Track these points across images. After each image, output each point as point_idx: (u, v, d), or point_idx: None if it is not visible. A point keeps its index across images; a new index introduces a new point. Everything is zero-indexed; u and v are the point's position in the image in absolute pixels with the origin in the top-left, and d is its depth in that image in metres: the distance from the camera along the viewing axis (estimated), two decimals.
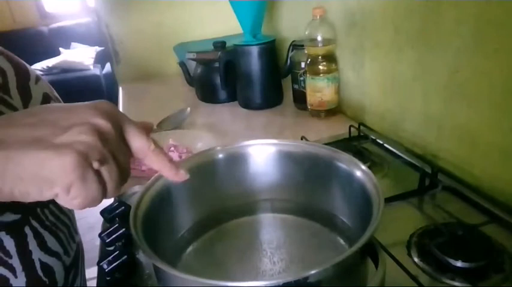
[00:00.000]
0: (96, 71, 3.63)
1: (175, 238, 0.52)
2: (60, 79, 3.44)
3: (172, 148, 0.81)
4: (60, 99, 0.52)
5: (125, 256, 0.53)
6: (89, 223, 2.11)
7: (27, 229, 0.39)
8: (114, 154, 0.30)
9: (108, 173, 0.29)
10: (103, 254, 0.54)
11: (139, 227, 0.41)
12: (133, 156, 0.33)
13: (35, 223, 0.41)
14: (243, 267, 0.49)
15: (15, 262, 0.37)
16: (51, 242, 0.43)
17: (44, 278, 0.40)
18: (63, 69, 3.57)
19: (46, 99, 0.47)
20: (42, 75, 3.48)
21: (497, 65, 0.57)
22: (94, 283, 0.55)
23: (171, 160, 0.35)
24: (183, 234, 0.53)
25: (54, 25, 3.92)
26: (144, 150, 0.33)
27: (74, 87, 3.33)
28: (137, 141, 0.33)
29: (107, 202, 0.64)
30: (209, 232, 0.54)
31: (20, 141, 0.27)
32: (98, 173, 0.29)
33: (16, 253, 0.38)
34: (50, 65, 3.60)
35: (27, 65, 0.48)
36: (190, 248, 0.51)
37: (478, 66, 0.60)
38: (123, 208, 0.62)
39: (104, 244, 0.58)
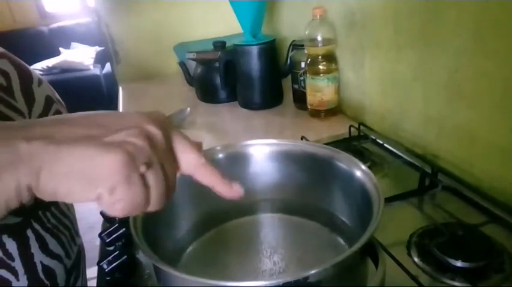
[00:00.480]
0: (96, 71, 3.63)
1: (175, 238, 0.52)
2: (60, 79, 3.44)
3: None
4: (62, 102, 0.52)
5: (125, 256, 0.53)
6: (89, 223, 2.11)
7: (29, 232, 0.39)
8: (162, 162, 0.29)
9: (154, 179, 0.28)
10: (103, 254, 0.54)
11: (139, 227, 0.41)
12: (181, 170, 0.33)
13: (36, 226, 0.40)
14: (243, 267, 0.49)
15: (18, 264, 0.37)
16: (53, 244, 0.42)
17: (46, 281, 0.40)
18: (63, 69, 3.57)
19: (48, 102, 0.47)
20: (42, 75, 3.48)
21: (497, 65, 0.57)
22: (94, 283, 0.55)
23: (223, 175, 0.35)
24: (183, 234, 0.53)
25: (54, 25, 3.93)
26: (195, 164, 0.33)
27: (74, 87, 3.33)
28: (188, 155, 0.32)
29: None
30: (209, 232, 0.54)
31: (70, 138, 0.26)
32: (143, 178, 0.28)
33: (18, 255, 0.37)
34: (50, 65, 3.60)
35: (30, 68, 0.48)
36: (190, 248, 0.51)
37: (478, 66, 0.60)
38: None
39: (104, 244, 0.58)
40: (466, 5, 0.59)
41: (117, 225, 0.58)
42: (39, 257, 0.40)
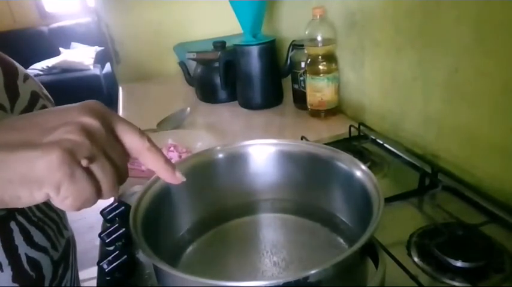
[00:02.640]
0: (96, 71, 3.63)
1: (175, 238, 0.52)
2: (60, 79, 3.44)
3: (172, 148, 0.81)
4: (50, 97, 0.52)
5: (125, 256, 0.53)
6: (89, 223, 2.11)
7: (13, 225, 0.40)
8: (106, 152, 0.29)
9: (100, 171, 0.29)
10: (103, 254, 0.54)
11: (139, 227, 0.41)
12: (129, 155, 0.33)
13: (21, 219, 0.41)
14: (243, 267, 0.49)
15: (1, 256, 0.37)
16: (38, 237, 0.43)
17: (31, 273, 0.40)
18: (63, 69, 3.58)
19: (34, 97, 0.47)
20: (42, 75, 3.49)
21: (497, 65, 0.57)
22: (94, 283, 0.55)
23: (167, 161, 0.34)
24: (183, 234, 0.53)
25: (54, 25, 3.93)
26: (138, 148, 0.32)
27: (74, 87, 3.33)
28: (130, 139, 0.32)
29: (107, 201, 0.64)
30: (209, 232, 0.54)
31: (8, 145, 0.26)
32: (88, 172, 0.28)
33: (1, 247, 0.38)
34: (50, 65, 3.60)
35: (16, 64, 0.48)
36: (190, 248, 0.51)
37: (478, 66, 0.60)
38: (123, 208, 0.62)
39: (104, 244, 0.58)
40: (466, 5, 0.59)
41: (117, 225, 0.58)
42: (23, 249, 0.40)
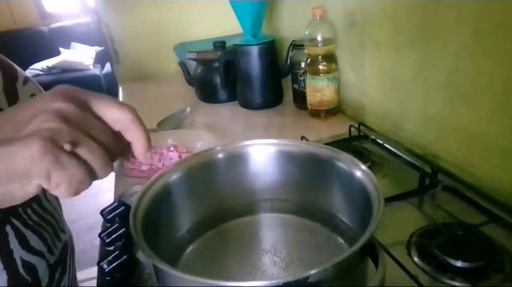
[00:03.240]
0: (96, 71, 3.63)
1: (175, 238, 0.52)
2: (60, 79, 3.45)
3: (172, 148, 0.81)
4: None
5: (125, 256, 0.53)
6: (89, 223, 2.11)
7: (8, 228, 0.39)
8: (87, 132, 0.29)
9: (87, 152, 0.28)
10: (103, 254, 0.54)
11: (139, 227, 0.41)
12: (115, 132, 0.32)
13: (16, 222, 0.40)
14: (243, 267, 0.49)
15: None
16: (34, 241, 0.42)
17: (26, 277, 0.40)
18: (63, 69, 3.58)
19: None
20: (42, 75, 3.50)
21: (497, 65, 0.57)
22: (94, 283, 0.55)
23: (148, 138, 0.33)
24: (183, 234, 0.53)
25: (54, 25, 3.93)
26: (120, 120, 0.31)
27: None
28: (110, 113, 0.31)
29: (107, 201, 0.64)
30: (209, 232, 0.54)
31: None
32: (74, 155, 0.28)
33: None
34: (50, 65, 3.60)
35: (16, 67, 0.48)
36: (190, 248, 0.51)
37: (478, 66, 0.60)
38: (123, 208, 0.62)
39: (104, 244, 0.58)
40: (466, 5, 0.59)
41: (117, 225, 0.58)
42: (18, 253, 0.40)
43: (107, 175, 0.30)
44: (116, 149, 0.31)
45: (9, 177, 0.27)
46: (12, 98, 0.44)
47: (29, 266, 0.40)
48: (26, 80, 0.48)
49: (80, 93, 0.30)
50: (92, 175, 0.29)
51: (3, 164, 0.26)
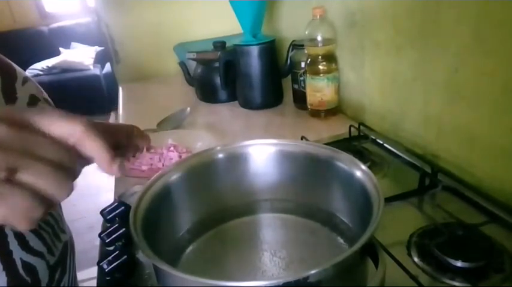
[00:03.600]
0: (96, 71, 3.63)
1: (175, 238, 0.52)
2: (60, 79, 3.45)
3: (171, 148, 0.81)
4: (50, 100, 0.52)
5: (125, 256, 0.53)
6: (89, 223, 2.11)
7: (7, 229, 0.39)
8: (32, 153, 0.25)
9: (32, 175, 0.25)
10: (103, 254, 0.54)
11: (139, 227, 0.41)
12: (67, 146, 0.28)
13: None
14: (243, 267, 0.49)
15: None
16: (34, 241, 0.42)
17: (26, 277, 0.40)
18: (63, 69, 3.58)
19: (33, 100, 0.47)
20: (42, 75, 3.50)
21: (497, 65, 0.57)
22: (94, 283, 0.55)
23: (107, 149, 0.30)
24: (183, 234, 0.53)
25: (54, 25, 3.93)
26: (71, 134, 0.28)
27: (74, 87, 3.34)
28: (58, 128, 0.27)
29: (107, 201, 0.65)
30: (209, 232, 0.54)
31: None
32: (16, 182, 0.25)
33: None
34: (50, 65, 3.60)
35: (16, 67, 0.48)
36: (190, 248, 0.51)
37: (478, 66, 0.60)
38: (123, 208, 0.62)
39: (103, 244, 0.58)
40: (466, 5, 0.59)
41: (117, 225, 0.58)
42: (18, 254, 0.40)
43: (66, 194, 0.27)
44: (72, 166, 0.28)
45: None
46: (11, 98, 0.44)
47: (28, 267, 0.40)
48: (25, 80, 0.48)
49: (16, 114, 0.27)
50: (46, 199, 0.26)
51: None
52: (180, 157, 0.79)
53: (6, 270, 0.38)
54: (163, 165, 0.76)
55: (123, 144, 0.70)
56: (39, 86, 0.51)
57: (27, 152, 0.25)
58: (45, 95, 0.51)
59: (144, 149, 0.78)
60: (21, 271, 0.40)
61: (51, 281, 0.44)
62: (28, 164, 0.25)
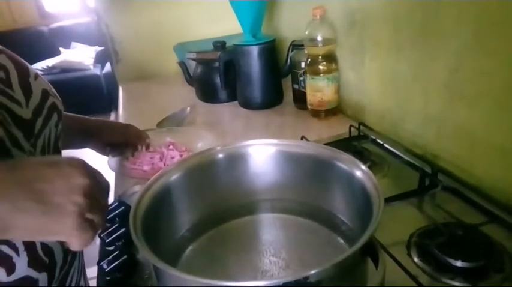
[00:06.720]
0: (96, 71, 3.63)
1: (175, 238, 0.52)
2: (60, 79, 3.44)
3: (171, 146, 0.81)
4: (58, 96, 0.54)
5: (125, 256, 0.53)
6: None
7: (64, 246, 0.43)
8: (97, 199, 0.36)
9: (96, 216, 0.36)
10: (103, 254, 0.54)
11: (139, 227, 0.41)
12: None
13: None
14: (243, 267, 0.49)
15: (18, 242, 0.40)
16: None
17: (44, 258, 0.43)
18: (63, 69, 3.57)
19: (45, 94, 0.50)
20: (42, 75, 3.46)
21: (497, 65, 0.57)
22: (94, 283, 0.55)
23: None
24: (183, 234, 0.53)
25: (54, 25, 3.93)
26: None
27: (74, 87, 3.33)
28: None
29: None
30: (209, 232, 0.54)
31: (28, 208, 0.32)
32: (91, 221, 0.35)
33: None
34: (50, 65, 3.60)
35: (27, 63, 0.51)
36: (190, 248, 0.51)
37: (478, 66, 0.60)
38: (123, 208, 0.62)
39: (103, 244, 0.58)
40: (466, 5, 0.59)
41: (117, 225, 0.58)
42: None
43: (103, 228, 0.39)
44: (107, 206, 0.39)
45: (37, 232, 0.34)
46: (27, 92, 0.47)
47: (47, 248, 0.43)
48: (36, 75, 0.51)
49: (91, 168, 0.37)
50: (95, 232, 0.36)
51: (38, 223, 0.33)
52: (181, 155, 0.78)
53: (26, 250, 0.41)
54: (165, 164, 0.76)
55: (119, 142, 0.72)
56: (47, 81, 0.53)
57: (98, 200, 0.36)
58: (53, 90, 0.53)
59: (144, 148, 0.78)
60: (40, 252, 0.42)
61: (65, 263, 0.47)
62: (97, 209, 0.36)
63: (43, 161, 0.37)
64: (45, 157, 0.38)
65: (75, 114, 0.69)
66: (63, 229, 0.34)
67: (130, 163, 0.75)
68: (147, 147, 0.79)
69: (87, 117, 0.71)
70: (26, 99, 0.46)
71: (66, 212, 0.33)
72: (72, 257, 0.50)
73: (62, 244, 0.46)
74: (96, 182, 0.36)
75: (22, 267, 0.40)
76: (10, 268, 0.40)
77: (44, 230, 0.34)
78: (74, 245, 0.35)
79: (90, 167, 0.37)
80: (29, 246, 0.41)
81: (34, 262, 0.41)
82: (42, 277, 0.42)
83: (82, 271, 0.54)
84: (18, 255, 0.40)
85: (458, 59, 0.63)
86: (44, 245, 0.43)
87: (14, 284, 0.40)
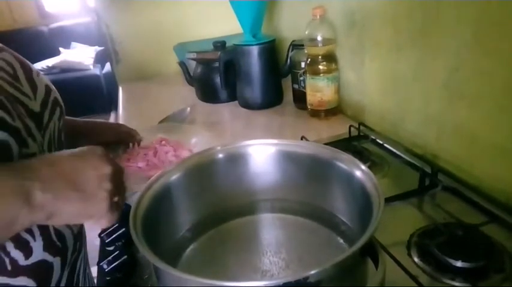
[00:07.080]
0: (96, 71, 3.63)
1: (175, 238, 0.52)
2: (60, 79, 3.43)
3: (163, 142, 0.80)
4: (57, 92, 0.56)
5: (125, 256, 0.53)
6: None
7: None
8: (119, 183, 0.41)
9: (120, 198, 0.42)
10: (103, 254, 0.54)
11: (139, 227, 0.41)
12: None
13: None
14: (243, 267, 0.49)
15: (34, 227, 0.43)
16: None
17: (58, 243, 0.46)
18: (63, 69, 3.57)
19: (47, 90, 0.52)
20: (42, 75, 3.48)
21: (497, 65, 0.57)
22: (94, 283, 0.55)
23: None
24: (183, 234, 0.53)
25: (54, 25, 3.92)
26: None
27: (74, 87, 3.33)
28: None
29: None
30: (209, 232, 0.54)
31: (67, 198, 0.37)
32: (117, 204, 0.41)
33: None
34: (50, 65, 3.60)
35: (29, 62, 0.53)
36: (190, 248, 0.51)
37: (478, 65, 0.60)
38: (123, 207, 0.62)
39: (103, 244, 0.58)
40: (466, 5, 0.59)
41: (117, 225, 0.58)
42: None
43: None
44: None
45: (76, 217, 0.39)
46: (33, 86, 0.50)
47: (59, 234, 0.46)
48: (38, 73, 0.53)
49: (111, 156, 0.42)
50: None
51: (78, 209, 0.38)
52: (174, 150, 0.78)
53: (42, 235, 0.44)
54: (159, 160, 0.76)
55: (111, 142, 0.75)
56: (47, 78, 0.55)
57: (121, 182, 0.42)
58: (53, 86, 0.55)
59: (136, 146, 0.78)
60: (53, 237, 0.45)
61: (75, 249, 0.49)
62: (121, 191, 0.42)
63: (74, 154, 0.41)
64: (73, 150, 0.41)
65: (66, 117, 0.69)
66: (97, 212, 0.39)
67: (124, 161, 0.75)
68: (139, 144, 0.79)
69: (77, 118, 0.71)
70: (34, 93, 0.49)
71: (99, 198, 0.39)
72: (80, 245, 0.52)
73: (72, 229, 0.49)
74: (118, 168, 0.41)
75: (38, 251, 0.43)
76: (28, 252, 0.42)
77: (82, 214, 0.39)
78: (105, 224, 0.41)
79: (109, 154, 0.42)
80: (44, 231, 0.44)
81: (49, 246, 0.44)
82: (56, 262, 0.45)
83: (87, 261, 0.56)
84: (34, 240, 0.43)
85: (458, 59, 0.63)
86: (56, 230, 0.46)
87: (31, 267, 0.43)
